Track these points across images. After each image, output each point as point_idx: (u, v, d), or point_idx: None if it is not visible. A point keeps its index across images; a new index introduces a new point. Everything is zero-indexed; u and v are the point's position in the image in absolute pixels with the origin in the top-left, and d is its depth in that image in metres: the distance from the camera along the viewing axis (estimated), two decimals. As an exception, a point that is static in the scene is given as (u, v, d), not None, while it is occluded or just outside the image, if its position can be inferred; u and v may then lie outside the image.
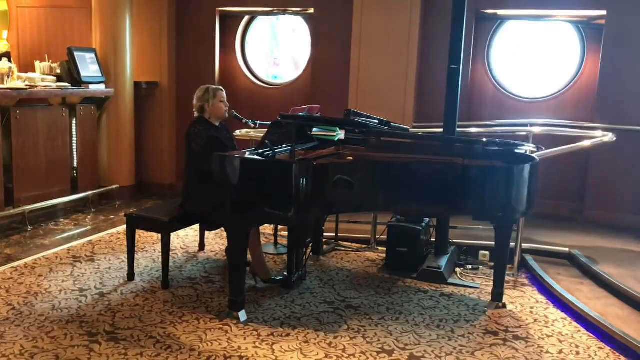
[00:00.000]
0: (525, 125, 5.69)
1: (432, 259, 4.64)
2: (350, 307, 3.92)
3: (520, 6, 6.30)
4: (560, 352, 3.39)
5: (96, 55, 6.43)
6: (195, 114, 4.26)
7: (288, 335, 3.46)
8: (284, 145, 3.94)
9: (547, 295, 4.24)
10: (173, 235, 4.46)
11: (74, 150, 6.23)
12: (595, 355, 3.37)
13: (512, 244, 4.37)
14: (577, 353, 3.38)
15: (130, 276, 4.25)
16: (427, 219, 4.83)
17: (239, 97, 7.04)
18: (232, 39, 7.31)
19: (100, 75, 6.39)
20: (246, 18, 7.32)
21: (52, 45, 7.22)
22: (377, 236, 5.17)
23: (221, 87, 4.33)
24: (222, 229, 4.62)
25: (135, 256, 4.36)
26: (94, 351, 3.17)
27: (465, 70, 6.01)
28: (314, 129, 4.08)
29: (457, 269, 4.68)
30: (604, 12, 5.95)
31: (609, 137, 4.70)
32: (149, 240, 5.16)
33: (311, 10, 6.83)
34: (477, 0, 6.09)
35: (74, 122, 6.18)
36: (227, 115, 4.29)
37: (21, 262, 4.52)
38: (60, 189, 5.99)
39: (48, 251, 4.81)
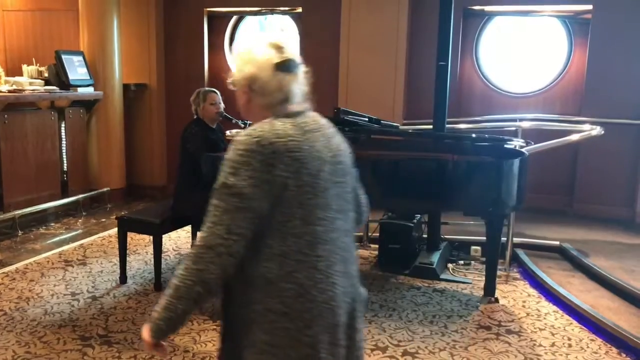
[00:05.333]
0: (514, 120, 5.72)
1: (424, 255, 4.66)
2: (343, 305, 3.92)
3: (507, 2, 6.33)
4: (553, 344, 3.42)
5: (84, 58, 6.38)
6: (194, 116, 4.31)
7: (282, 334, 3.46)
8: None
9: (539, 288, 4.27)
10: (165, 237, 4.45)
11: (64, 153, 6.19)
12: (587, 347, 3.40)
13: (503, 239, 4.40)
14: (570, 345, 3.41)
15: (123, 279, 4.24)
16: (419, 216, 4.85)
17: (228, 97, 6.96)
18: (220, 39, 7.29)
19: (89, 78, 6.35)
20: (234, 18, 7.31)
21: (39, 48, 7.18)
22: (369, 233, 5.18)
23: (215, 90, 4.33)
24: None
25: (127, 259, 4.35)
26: (87, 355, 3.16)
27: (454, 67, 6.04)
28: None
29: (449, 265, 4.70)
30: (590, 7, 5.99)
31: (597, 130, 4.73)
32: (140, 243, 5.15)
33: (299, 10, 6.83)
34: (464, -3, 6.13)
35: (63, 125, 6.14)
36: (219, 117, 4.30)
37: (12, 267, 4.49)
38: (50, 193, 5.95)
39: (39, 255, 4.79)
